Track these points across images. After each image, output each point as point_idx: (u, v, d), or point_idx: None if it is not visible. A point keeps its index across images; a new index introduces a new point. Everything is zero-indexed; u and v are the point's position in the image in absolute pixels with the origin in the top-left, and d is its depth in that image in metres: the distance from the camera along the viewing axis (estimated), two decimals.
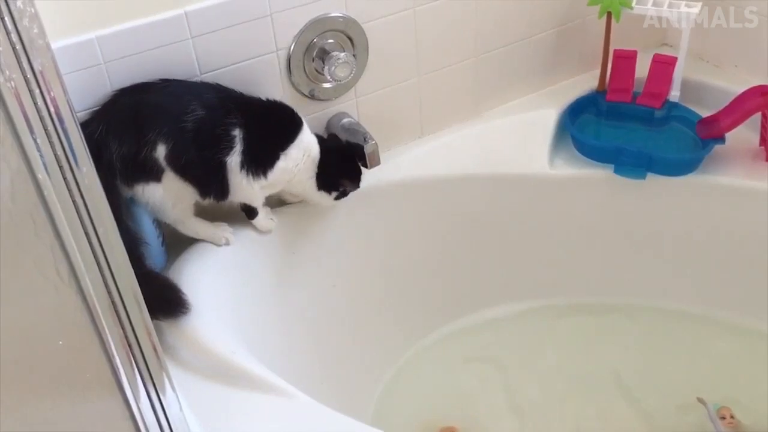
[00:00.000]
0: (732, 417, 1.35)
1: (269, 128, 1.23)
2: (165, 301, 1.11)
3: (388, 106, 1.44)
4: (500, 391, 1.51)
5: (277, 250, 1.34)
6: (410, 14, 1.37)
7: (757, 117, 1.40)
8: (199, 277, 1.19)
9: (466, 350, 1.58)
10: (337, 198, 1.33)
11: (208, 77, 1.22)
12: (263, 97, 1.24)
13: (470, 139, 1.52)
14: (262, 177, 1.22)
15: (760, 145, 1.42)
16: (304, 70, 1.31)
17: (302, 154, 1.26)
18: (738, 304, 1.53)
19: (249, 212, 1.29)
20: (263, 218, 1.30)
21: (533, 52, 1.55)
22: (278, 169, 1.23)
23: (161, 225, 1.24)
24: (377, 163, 1.35)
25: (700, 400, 1.39)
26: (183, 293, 1.13)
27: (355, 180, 1.34)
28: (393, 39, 1.38)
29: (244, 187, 1.21)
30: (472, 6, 1.43)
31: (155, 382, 0.73)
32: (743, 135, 1.44)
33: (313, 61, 1.31)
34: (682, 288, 1.57)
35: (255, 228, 1.31)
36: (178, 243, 1.25)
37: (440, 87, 1.48)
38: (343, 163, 1.33)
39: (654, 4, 1.44)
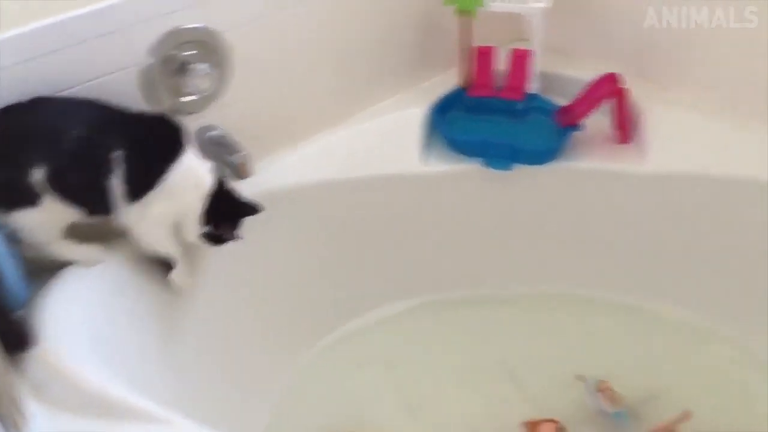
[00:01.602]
0: (610, 389, 1.42)
1: (149, 150, 1.14)
2: (14, 337, 1.04)
3: (256, 115, 1.42)
4: (393, 391, 1.51)
5: (153, 267, 1.29)
6: (271, 21, 1.36)
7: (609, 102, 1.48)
8: (68, 306, 1.13)
9: (358, 353, 1.58)
10: (210, 241, 1.22)
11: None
12: (149, 112, 1.18)
13: (342, 143, 1.52)
14: (143, 207, 1.13)
15: (614, 129, 1.50)
16: (164, 85, 1.27)
17: (184, 183, 1.15)
18: (615, 282, 1.60)
19: (166, 264, 1.19)
20: (180, 272, 1.21)
21: (395, 53, 1.57)
22: (156, 199, 1.13)
23: (21, 254, 1.17)
24: (249, 174, 1.33)
25: (579, 378, 1.45)
26: (29, 327, 1.06)
27: (232, 228, 1.24)
28: (256, 46, 1.36)
29: (133, 222, 1.13)
30: (331, 9, 1.43)
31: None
32: (599, 121, 1.51)
33: (173, 74, 1.28)
34: (560, 271, 1.63)
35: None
36: (41, 271, 1.18)
37: (307, 93, 1.48)
38: (230, 206, 1.22)
39: (505, 1, 1.50)
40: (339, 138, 1.53)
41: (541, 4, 1.49)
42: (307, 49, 1.44)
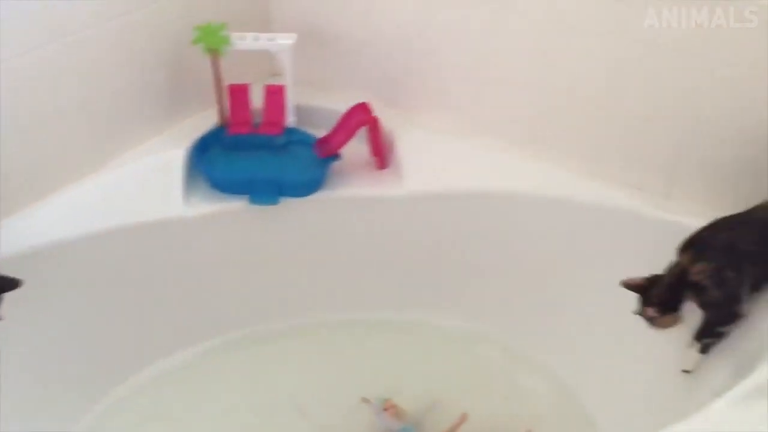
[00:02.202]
0: (395, 407, 1.46)
1: None
2: None
3: None
4: None
5: None
6: (10, 66, 1.26)
7: (364, 131, 1.54)
8: None
9: (144, 407, 1.51)
10: None
11: None
12: None
13: (97, 192, 1.44)
14: None
15: (371, 156, 1.57)
16: None
17: None
18: (390, 301, 1.67)
19: None
20: None
21: (148, 95, 1.52)
22: None
23: None
24: None
25: (364, 400, 1.48)
26: None
27: None
28: None
29: None
30: (74, 55, 1.36)
31: None
32: (358, 149, 1.56)
33: None
34: (336, 297, 1.67)
35: None
36: None
37: (55, 142, 1.39)
38: None
39: (253, 39, 1.51)
40: (94, 187, 1.45)
41: (288, 41, 1.52)
42: (52, 96, 1.35)
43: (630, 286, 1.21)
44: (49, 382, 1.42)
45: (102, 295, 1.46)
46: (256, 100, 1.59)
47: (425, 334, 1.66)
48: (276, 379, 1.59)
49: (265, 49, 1.52)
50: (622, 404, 1.42)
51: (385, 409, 1.46)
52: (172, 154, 1.52)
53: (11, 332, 1.28)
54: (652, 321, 1.20)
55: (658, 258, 1.19)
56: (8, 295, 1.17)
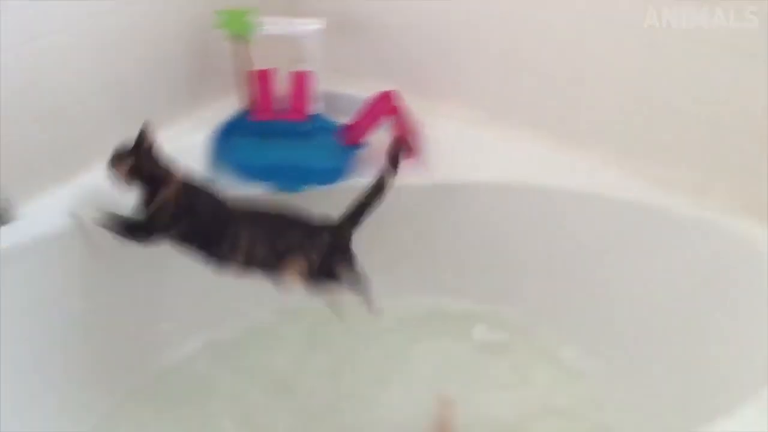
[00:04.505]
0: None
1: None
2: None
3: (16, 154, 1.29)
4: None
5: None
6: (34, 48, 1.26)
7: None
8: None
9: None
10: None
11: None
12: None
13: None
14: None
15: None
16: None
17: None
18: (416, 288, 1.64)
19: None
20: None
21: (169, 81, 1.52)
22: None
23: None
24: (12, 219, 1.22)
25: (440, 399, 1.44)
26: None
27: None
28: (22, 79, 1.25)
29: None
30: (97, 39, 1.35)
31: None
32: (386, 138, 1.53)
33: None
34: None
35: None
36: None
37: (77, 126, 1.38)
38: None
39: (280, 24, 1.49)
40: None
41: (315, 26, 1.49)
42: (76, 78, 1.34)
43: None
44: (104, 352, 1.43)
45: (125, 275, 1.44)
46: (282, 86, 1.57)
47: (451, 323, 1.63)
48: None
49: (293, 34, 1.50)
50: (665, 398, 1.39)
51: None
52: (193, 138, 1.51)
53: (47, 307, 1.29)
54: None
55: (691, 256, 1.16)
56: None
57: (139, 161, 1.24)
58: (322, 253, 1.28)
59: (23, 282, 1.29)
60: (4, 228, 1.26)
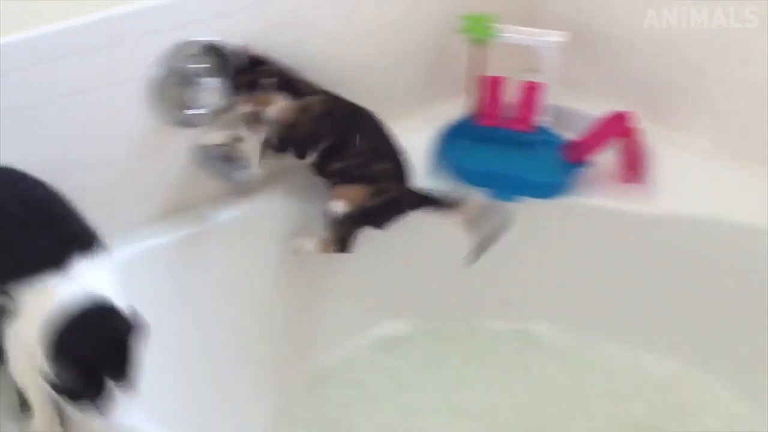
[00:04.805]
0: None
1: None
2: None
3: None
4: None
5: None
6: (281, 38, 1.34)
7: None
8: None
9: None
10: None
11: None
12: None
13: None
14: None
15: (622, 168, 1.48)
16: (171, 97, 1.25)
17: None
18: (609, 325, 1.56)
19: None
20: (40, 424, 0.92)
21: (405, 78, 1.56)
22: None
23: None
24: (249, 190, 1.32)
25: None
26: None
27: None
28: None
29: None
30: (342, 30, 1.42)
31: None
32: (609, 158, 1.48)
33: (181, 87, 1.26)
34: (560, 309, 1.59)
35: None
36: None
37: None
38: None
39: (521, 33, 1.49)
40: None
41: (556, 38, 1.47)
42: (316, 67, 1.42)
43: None
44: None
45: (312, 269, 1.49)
46: (510, 94, 1.57)
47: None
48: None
49: (533, 44, 1.49)
50: None
51: None
52: (417, 138, 1.54)
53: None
54: None
55: None
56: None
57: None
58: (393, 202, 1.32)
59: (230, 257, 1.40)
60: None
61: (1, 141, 1.09)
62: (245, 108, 1.30)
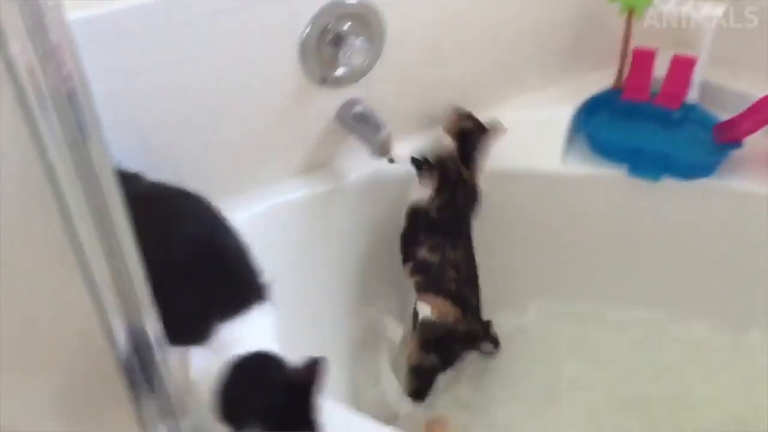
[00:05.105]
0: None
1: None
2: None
3: (402, 93, 1.41)
4: None
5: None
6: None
7: None
8: None
9: None
10: None
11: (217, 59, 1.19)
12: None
13: None
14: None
15: None
16: (318, 56, 1.28)
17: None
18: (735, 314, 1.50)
19: None
20: None
21: (551, 46, 1.53)
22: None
23: None
24: (387, 152, 1.33)
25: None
26: None
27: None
28: (411, 24, 1.35)
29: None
30: None
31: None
32: (760, 140, 1.41)
33: (327, 46, 1.29)
34: (681, 296, 1.54)
35: None
36: None
37: (455, 75, 1.45)
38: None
39: (677, 4, 1.42)
40: None
41: (716, 12, 1.39)
42: (461, 31, 1.41)
43: None
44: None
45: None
46: (658, 68, 1.50)
47: None
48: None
49: (689, 17, 1.42)
50: None
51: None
52: (560, 108, 1.52)
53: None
54: None
55: None
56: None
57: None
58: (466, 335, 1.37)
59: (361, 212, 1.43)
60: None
61: (159, 93, 1.16)
62: None
